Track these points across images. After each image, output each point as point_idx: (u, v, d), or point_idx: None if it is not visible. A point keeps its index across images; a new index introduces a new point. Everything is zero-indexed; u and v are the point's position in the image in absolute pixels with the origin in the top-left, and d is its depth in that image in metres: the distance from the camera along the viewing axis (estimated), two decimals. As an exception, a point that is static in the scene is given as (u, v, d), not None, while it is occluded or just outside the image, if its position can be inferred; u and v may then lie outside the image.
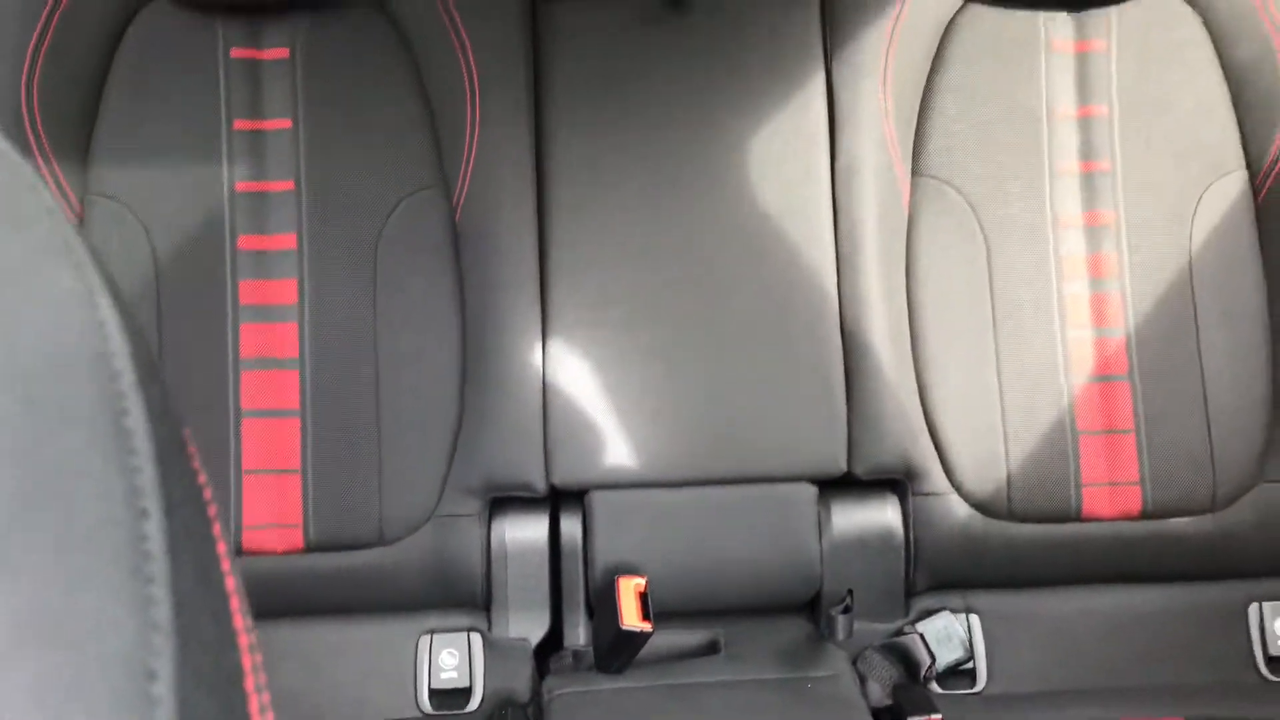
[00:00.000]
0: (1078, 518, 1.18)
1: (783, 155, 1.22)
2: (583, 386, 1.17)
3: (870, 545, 1.19)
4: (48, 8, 1.15)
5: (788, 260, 1.20)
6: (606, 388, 1.17)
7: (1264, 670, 1.17)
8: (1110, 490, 1.19)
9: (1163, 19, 1.24)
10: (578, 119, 1.22)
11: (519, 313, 1.17)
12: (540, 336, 1.17)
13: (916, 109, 1.23)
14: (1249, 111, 1.21)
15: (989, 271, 1.21)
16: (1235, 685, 1.15)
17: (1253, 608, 1.19)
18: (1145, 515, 1.19)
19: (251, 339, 1.17)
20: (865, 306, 1.19)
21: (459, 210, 1.18)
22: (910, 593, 1.20)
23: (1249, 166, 1.21)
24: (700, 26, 1.24)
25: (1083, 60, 1.24)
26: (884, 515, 1.20)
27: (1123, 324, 1.20)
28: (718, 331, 1.19)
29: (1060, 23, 1.24)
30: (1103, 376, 1.20)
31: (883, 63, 1.21)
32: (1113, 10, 1.24)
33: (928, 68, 1.24)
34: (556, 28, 1.24)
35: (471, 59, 1.19)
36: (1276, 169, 1.20)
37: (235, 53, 1.19)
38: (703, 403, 1.18)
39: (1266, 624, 1.18)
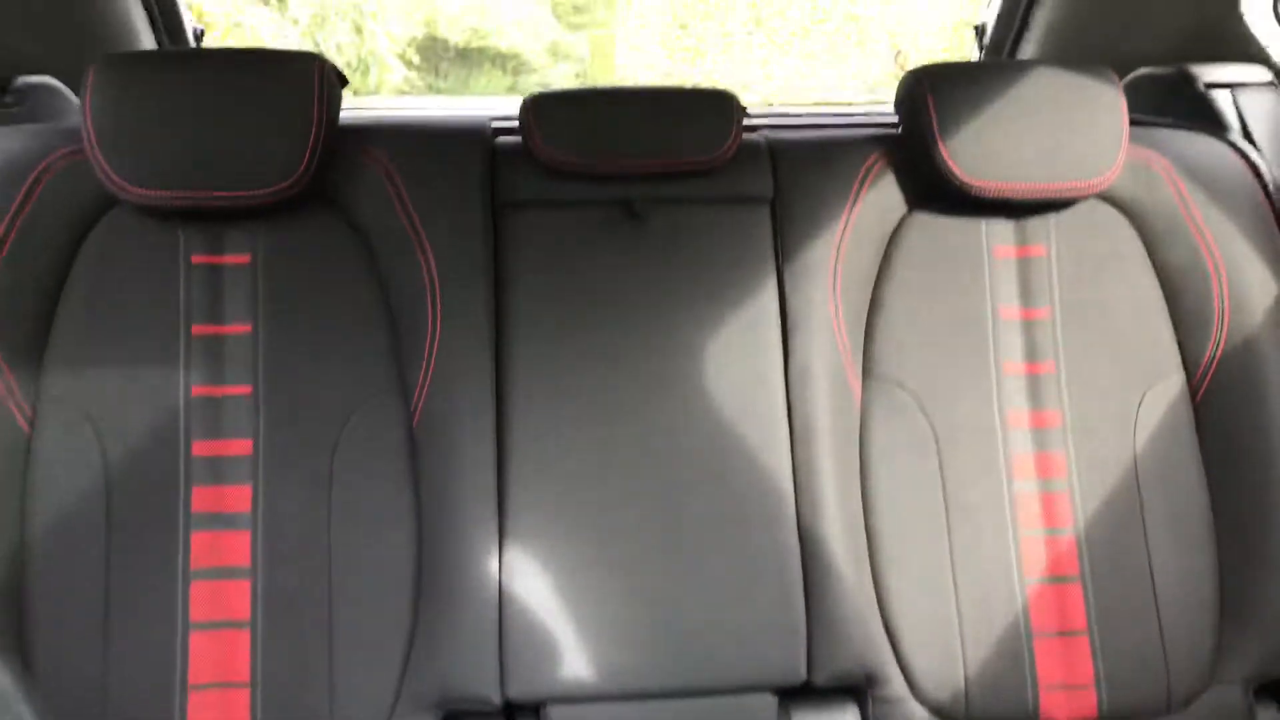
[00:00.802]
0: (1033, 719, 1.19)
1: (738, 359, 1.24)
2: (540, 596, 1.16)
3: None
4: (9, 215, 1.15)
5: (744, 464, 1.21)
6: (564, 597, 1.17)
7: None
8: (1067, 693, 1.19)
9: (1098, 225, 1.29)
10: (537, 324, 1.23)
11: (476, 521, 1.16)
12: (497, 545, 1.17)
13: (866, 312, 1.27)
14: (1183, 315, 1.26)
15: (941, 471, 1.23)
16: None
17: None
18: (1102, 718, 1.19)
19: (203, 547, 1.15)
20: (821, 509, 1.20)
21: (417, 415, 1.18)
22: None
23: (1186, 369, 1.26)
24: (656, 234, 1.27)
25: (1024, 265, 1.29)
26: None
27: (1072, 524, 1.22)
28: (676, 538, 1.19)
29: (1001, 229, 1.29)
30: (1055, 578, 1.21)
31: (832, 268, 1.25)
32: (1051, 217, 1.29)
33: (876, 273, 1.27)
34: (516, 233, 1.27)
35: (433, 263, 1.21)
36: (1212, 371, 1.24)
37: (196, 258, 1.20)
38: (661, 612, 1.18)
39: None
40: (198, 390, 1.18)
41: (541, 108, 1.27)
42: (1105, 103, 1.25)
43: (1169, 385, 1.25)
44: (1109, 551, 1.22)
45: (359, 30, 10.50)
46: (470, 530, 1.17)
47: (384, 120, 1.31)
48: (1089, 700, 1.19)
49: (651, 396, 1.22)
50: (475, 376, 1.19)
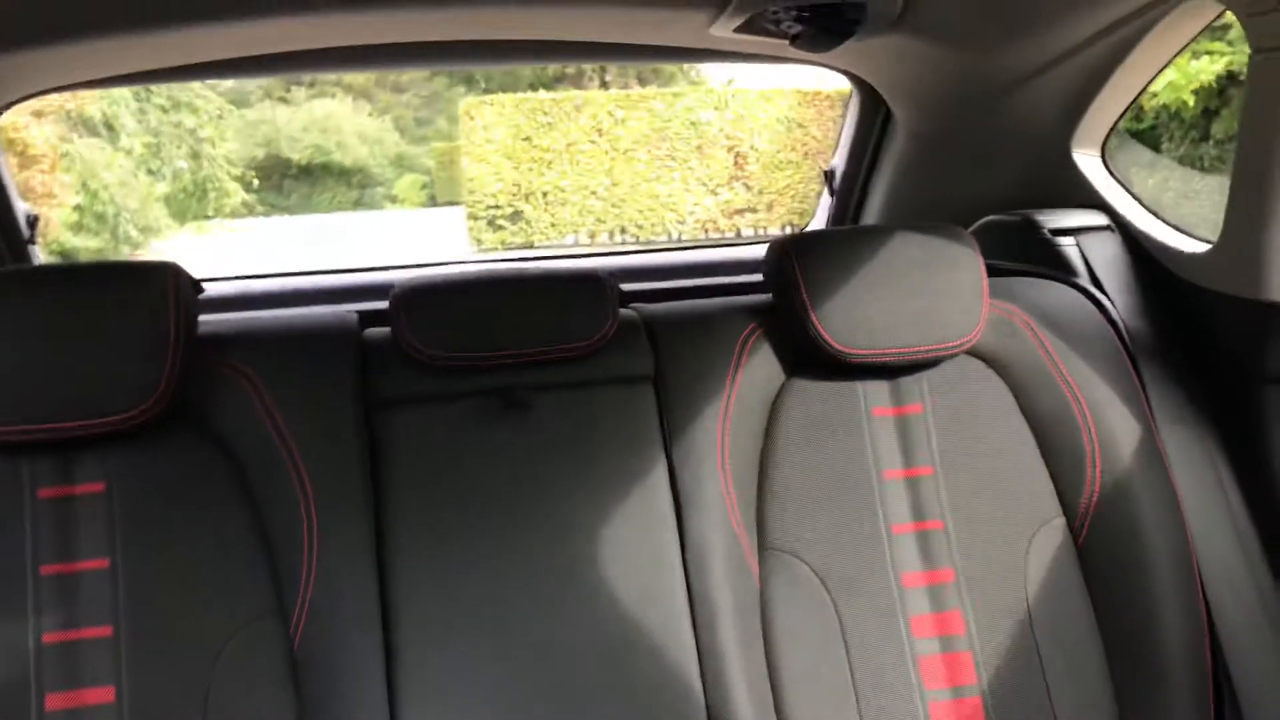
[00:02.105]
0: None
1: (634, 543, 1.21)
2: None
3: None
4: None
5: (648, 653, 1.17)
6: None
7: None
8: None
9: (969, 380, 1.32)
10: (421, 528, 1.18)
11: None
12: None
13: (755, 484, 1.26)
14: (1058, 460, 1.30)
15: (844, 639, 1.22)
16: None
17: None
18: None
19: (63, 814, 1.04)
20: (729, 692, 1.17)
21: (298, 638, 1.11)
22: None
23: (1066, 512, 1.29)
24: (540, 421, 1.24)
25: (902, 424, 1.31)
26: None
27: (976, 682, 1.23)
28: None
29: (877, 390, 1.31)
30: (965, 739, 1.21)
31: (719, 443, 1.24)
32: (923, 375, 1.32)
33: (761, 443, 1.27)
34: (393, 432, 1.22)
35: (305, 475, 1.14)
36: (1091, 512, 1.27)
37: (43, 492, 1.10)
38: None
39: None
40: (50, 637, 1.07)
41: (411, 300, 1.24)
42: (964, 262, 1.29)
43: (1052, 530, 1.28)
44: (1014, 708, 1.22)
45: (195, 155, 10.29)
46: None
47: (246, 327, 1.25)
48: None
49: (548, 592, 1.18)
50: (358, 592, 1.13)
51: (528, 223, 9.76)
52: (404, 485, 1.20)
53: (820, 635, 1.22)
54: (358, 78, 15.85)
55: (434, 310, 1.23)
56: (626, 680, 1.17)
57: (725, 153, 9.84)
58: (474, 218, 9.81)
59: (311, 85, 15.53)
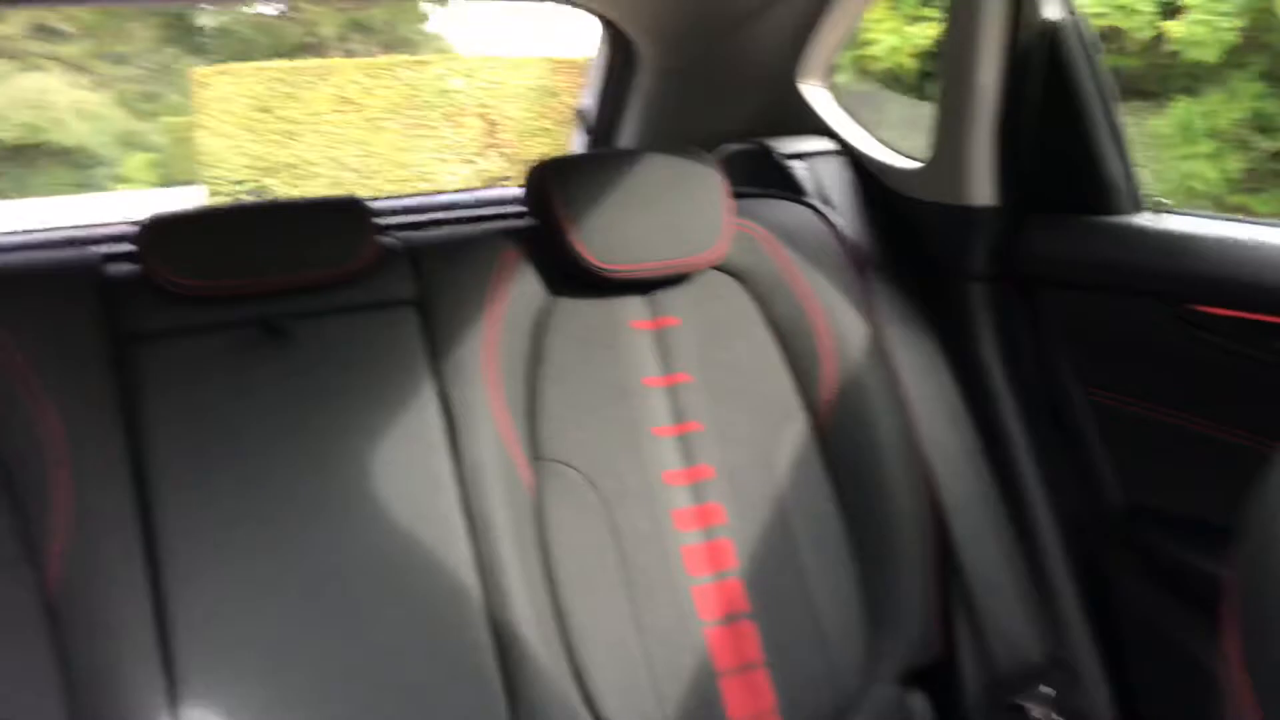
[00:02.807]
0: None
1: (406, 464, 1.24)
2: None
3: None
4: None
5: (426, 569, 1.21)
6: None
7: None
8: (755, 723, 1.29)
9: (717, 293, 1.42)
10: (185, 462, 1.16)
11: (139, 686, 1.07)
12: (169, 709, 1.08)
13: (524, 399, 1.31)
14: (799, 362, 1.42)
15: (614, 537, 1.29)
16: None
17: None
18: None
19: None
20: (509, 600, 1.22)
21: (54, 584, 1.07)
22: None
23: (809, 409, 1.41)
24: (303, 349, 1.24)
25: (660, 335, 1.39)
26: None
27: (736, 566, 1.33)
28: (365, 658, 1.16)
29: (636, 305, 1.39)
30: (729, 617, 1.31)
31: (487, 363, 1.28)
32: (678, 290, 1.41)
33: (528, 360, 1.32)
34: (148, 368, 1.19)
35: (54, 418, 1.10)
36: (829, 410, 1.41)
37: None
38: None
39: (901, 811, 1.33)
40: None
41: (161, 230, 1.21)
42: (708, 183, 1.39)
43: (797, 425, 1.41)
44: (771, 586, 1.34)
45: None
46: (134, 696, 1.07)
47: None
48: (774, 725, 1.30)
49: (321, 516, 1.19)
50: (118, 530, 1.10)
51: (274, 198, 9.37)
52: (164, 420, 1.17)
53: (593, 536, 1.29)
54: (70, 49, 14.64)
55: (186, 239, 1.21)
56: (408, 596, 1.20)
57: (478, 121, 9.79)
58: (216, 194, 9.33)
59: (14, 58, 14.22)
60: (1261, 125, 5.61)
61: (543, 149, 9.99)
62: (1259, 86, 5.52)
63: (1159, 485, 1.32)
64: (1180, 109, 5.62)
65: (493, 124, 9.82)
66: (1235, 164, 5.44)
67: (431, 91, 9.66)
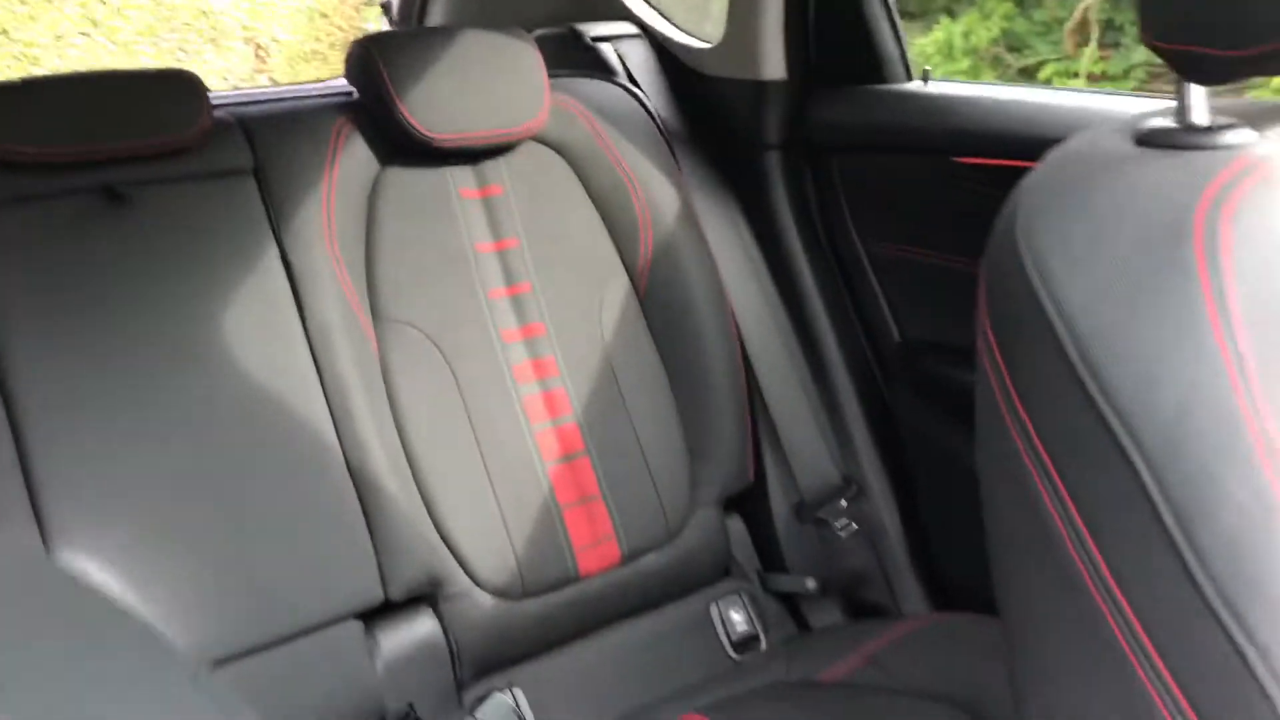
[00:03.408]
0: (577, 578, 1.43)
1: (256, 325, 1.31)
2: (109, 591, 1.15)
3: (419, 656, 1.33)
4: None
5: (285, 422, 1.29)
6: (130, 598, 1.16)
7: (733, 654, 1.51)
8: (596, 548, 1.45)
9: (540, 163, 1.55)
10: (34, 328, 1.20)
11: (13, 544, 1.12)
12: (45, 563, 1.13)
13: (364, 264, 1.40)
14: (617, 228, 1.57)
15: (459, 391, 1.41)
16: (718, 672, 1.47)
17: (713, 608, 1.52)
18: (624, 560, 1.47)
19: None
20: (365, 448, 1.32)
21: None
22: (461, 687, 1.36)
23: (628, 271, 1.57)
24: (145, 217, 1.29)
25: (488, 203, 1.51)
26: (424, 626, 1.34)
27: (571, 412, 1.48)
28: (235, 506, 1.24)
29: (463, 174, 1.50)
30: (567, 457, 1.46)
31: (325, 228, 1.36)
32: (502, 160, 1.52)
33: (364, 227, 1.41)
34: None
35: None
36: (647, 269, 1.56)
37: None
38: (233, 578, 1.22)
39: (725, 618, 1.52)
40: None
41: None
42: (527, 58, 1.50)
43: (618, 286, 1.56)
44: (603, 428, 1.49)
45: None
46: (7, 554, 1.12)
47: None
48: (613, 549, 1.46)
49: (176, 370, 1.25)
50: None
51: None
52: (11, 286, 1.20)
53: (438, 390, 1.40)
54: None
55: (20, 107, 1.23)
56: (268, 445, 1.28)
57: (244, 45, 9.36)
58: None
59: None
60: (1011, 44, 6.14)
61: (315, 73, 9.64)
62: (1009, 7, 6.03)
63: (930, 319, 1.56)
64: (942, 29, 6.06)
65: (260, 48, 9.41)
66: (990, 79, 5.93)
67: (191, 12, 9.14)
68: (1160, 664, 0.52)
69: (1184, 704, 0.51)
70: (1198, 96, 0.66)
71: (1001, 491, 0.67)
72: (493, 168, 1.52)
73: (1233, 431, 0.52)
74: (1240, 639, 0.50)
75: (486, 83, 1.46)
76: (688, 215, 1.59)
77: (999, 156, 1.36)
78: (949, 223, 1.48)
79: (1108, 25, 5.11)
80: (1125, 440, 0.55)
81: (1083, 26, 5.31)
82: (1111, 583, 0.56)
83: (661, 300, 1.57)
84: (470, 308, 1.46)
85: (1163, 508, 0.53)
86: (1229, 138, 0.65)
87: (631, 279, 1.57)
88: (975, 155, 1.40)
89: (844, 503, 1.57)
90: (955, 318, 1.50)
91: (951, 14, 6.21)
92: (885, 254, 1.59)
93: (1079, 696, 0.59)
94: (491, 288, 1.48)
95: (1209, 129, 0.66)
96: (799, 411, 1.61)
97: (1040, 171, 0.68)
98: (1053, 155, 0.69)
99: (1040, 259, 0.62)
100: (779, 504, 1.59)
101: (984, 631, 1.35)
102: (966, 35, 6.07)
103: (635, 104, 1.65)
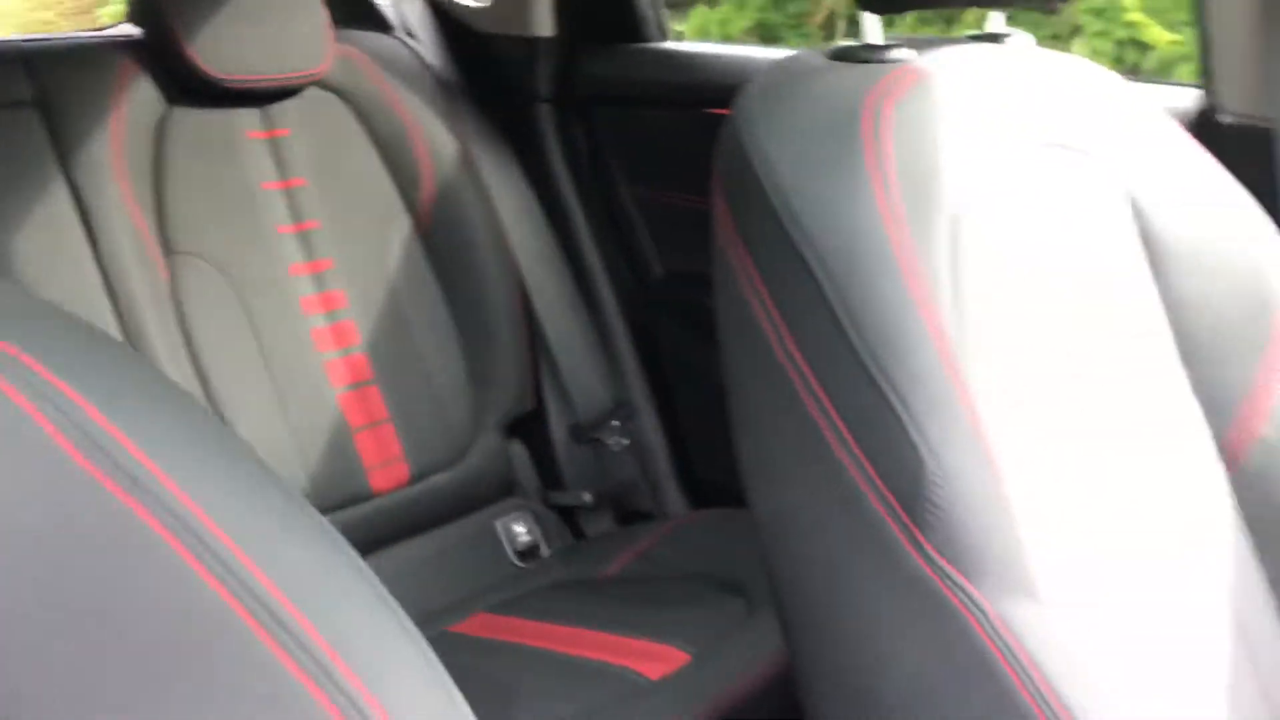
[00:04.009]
0: (370, 495, 1.54)
1: (45, 251, 1.36)
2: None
3: None
4: None
5: None
6: None
7: (517, 562, 1.66)
8: (385, 468, 1.57)
9: (325, 108, 1.64)
10: None
11: None
12: None
13: (153, 198, 1.46)
14: (399, 171, 1.68)
15: (249, 320, 1.50)
16: (504, 578, 1.62)
17: (497, 524, 1.67)
18: (413, 479, 1.59)
19: None
20: (159, 369, 1.39)
21: None
22: None
23: (410, 211, 1.68)
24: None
25: (274, 144, 1.59)
26: None
27: (359, 342, 1.59)
28: None
29: (250, 116, 1.58)
30: (356, 384, 1.57)
31: (115, 159, 1.42)
32: (289, 103, 1.61)
33: (152, 163, 1.47)
34: None
35: None
36: (430, 212, 1.68)
37: None
38: None
39: (508, 531, 1.67)
40: None
41: None
42: (310, 5, 1.59)
43: (402, 224, 1.67)
44: (390, 357, 1.61)
45: None
46: None
47: None
48: (402, 470, 1.58)
49: None
50: None
51: None
52: None
53: (229, 321, 1.48)
54: None
55: None
56: None
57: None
58: None
59: None
60: (763, 35, 6.57)
61: (51, 47, 9.08)
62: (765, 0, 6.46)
63: (686, 254, 1.76)
64: (698, 16, 6.40)
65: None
66: (743, 66, 6.33)
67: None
68: (842, 428, 0.71)
69: (856, 450, 0.70)
70: (873, 23, 0.87)
71: (740, 351, 0.85)
72: (279, 111, 1.60)
73: (885, 257, 0.72)
74: (893, 399, 0.69)
75: (271, 28, 1.54)
76: (466, 161, 1.73)
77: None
78: (702, 168, 1.68)
79: (851, 20, 5.57)
80: (818, 271, 0.74)
81: (829, 20, 5.75)
82: (816, 386, 0.74)
83: (444, 240, 1.70)
84: (259, 242, 1.54)
85: (839, 312, 0.72)
86: (896, 54, 0.86)
87: (415, 220, 1.69)
88: (722, 107, 1.61)
89: (616, 423, 1.75)
90: (708, 252, 1.71)
91: (711, 3, 6.58)
92: (648, 197, 1.78)
93: (791, 477, 0.78)
94: (280, 224, 1.57)
95: (882, 48, 0.87)
96: (574, 342, 1.78)
97: (757, 81, 0.87)
98: (767, 69, 0.88)
99: (758, 145, 0.81)
100: (557, 427, 1.76)
101: (737, 522, 1.56)
102: (723, 24, 6.44)
103: (415, 57, 1.77)
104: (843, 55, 0.87)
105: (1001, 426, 0.71)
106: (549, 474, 1.76)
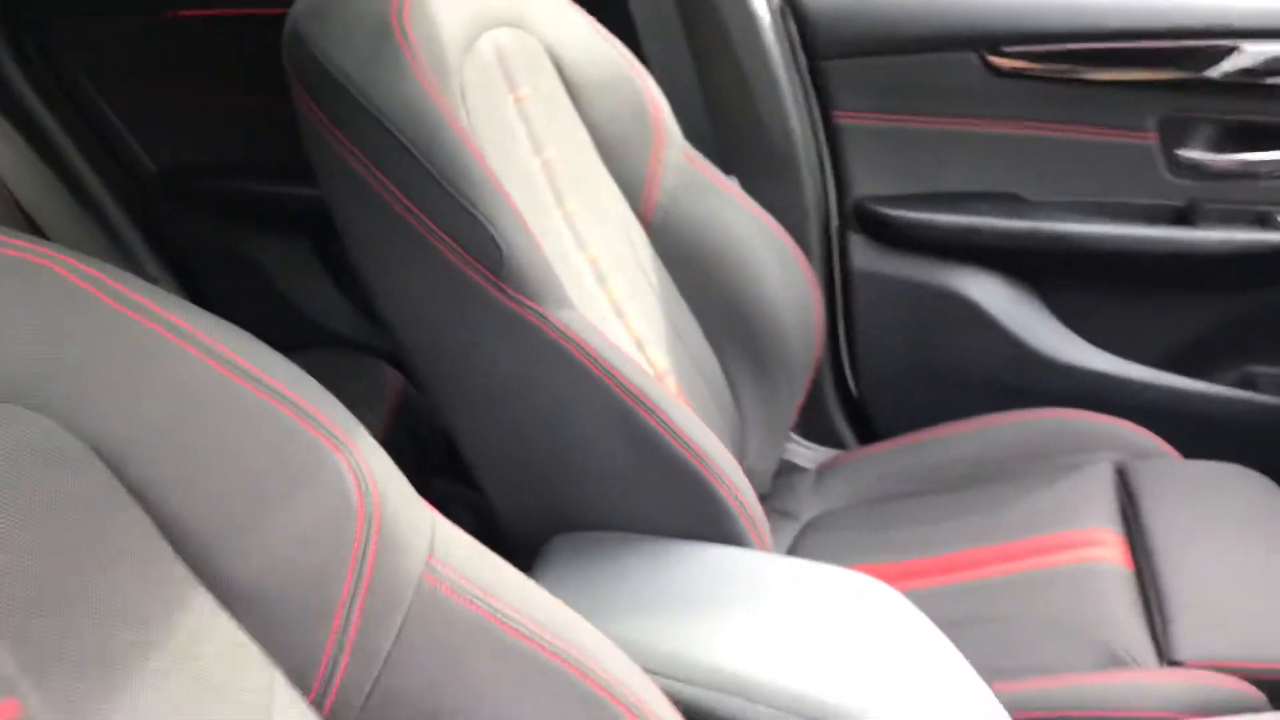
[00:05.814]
0: None
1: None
2: None
3: None
4: None
5: None
6: None
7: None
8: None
9: None
10: None
11: None
12: None
13: None
14: None
15: None
16: None
17: None
18: None
19: None
20: None
21: None
22: None
23: None
24: None
25: None
26: None
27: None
28: None
29: None
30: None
31: None
32: None
33: None
34: None
35: None
36: None
37: None
38: None
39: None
40: None
41: None
42: None
43: None
44: None
45: None
46: None
47: None
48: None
49: None
50: None
51: None
52: None
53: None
54: None
55: None
56: None
57: None
58: None
59: None
60: None
61: None
62: None
63: (174, 149, 1.99)
64: None
65: None
66: None
67: None
68: (439, 230, 1.07)
69: (451, 242, 1.09)
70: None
71: (360, 212, 1.09)
72: None
73: (433, 109, 1.07)
74: (464, 202, 1.08)
75: None
76: None
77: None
78: (186, 68, 1.91)
79: None
80: (397, 133, 1.04)
81: None
82: (418, 212, 1.05)
83: None
84: None
85: (417, 154, 1.09)
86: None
87: None
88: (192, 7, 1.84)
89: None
90: (201, 142, 1.96)
91: None
92: (125, 100, 1.95)
93: (411, 277, 1.12)
94: None
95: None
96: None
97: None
98: None
99: (326, 51, 1.08)
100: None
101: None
102: None
103: None
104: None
105: (523, 206, 1.15)
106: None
